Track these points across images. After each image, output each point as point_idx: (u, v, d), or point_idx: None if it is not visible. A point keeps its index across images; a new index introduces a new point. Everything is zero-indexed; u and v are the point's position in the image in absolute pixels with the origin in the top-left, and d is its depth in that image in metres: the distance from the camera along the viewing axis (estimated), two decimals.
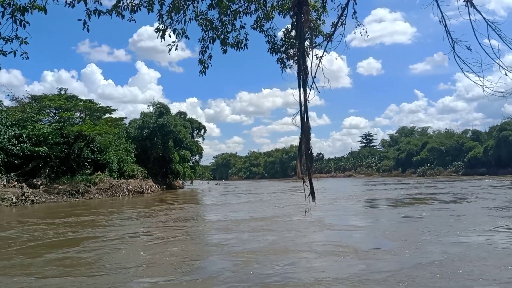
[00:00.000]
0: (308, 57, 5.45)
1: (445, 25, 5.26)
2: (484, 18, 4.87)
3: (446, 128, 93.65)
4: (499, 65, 4.85)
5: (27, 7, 4.74)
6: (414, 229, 11.51)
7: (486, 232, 10.57)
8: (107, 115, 39.18)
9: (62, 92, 37.07)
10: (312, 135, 4.96)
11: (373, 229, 12.09)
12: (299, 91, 4.87)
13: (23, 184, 26.75)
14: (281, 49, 6.88)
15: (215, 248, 10.14)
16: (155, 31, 5.78)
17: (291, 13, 6.15)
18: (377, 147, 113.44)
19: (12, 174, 27.15)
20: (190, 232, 12.92)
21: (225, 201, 27.40)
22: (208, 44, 6.41)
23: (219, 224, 14.84)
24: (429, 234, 10.44)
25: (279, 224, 13.69)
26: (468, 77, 5.13)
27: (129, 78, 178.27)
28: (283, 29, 6.92)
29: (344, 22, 5.98)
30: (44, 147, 28.59)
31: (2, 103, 30.02)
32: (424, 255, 8.16)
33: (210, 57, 6.47)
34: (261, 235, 11.60)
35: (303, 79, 4.85)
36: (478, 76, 4.96)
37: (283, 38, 6.87)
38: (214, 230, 13.25)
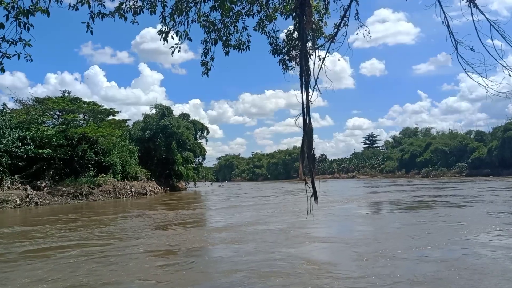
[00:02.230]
0: (311, 58, 5.46)
1: (448, 26, 5.26)
2: (487, 18, 4.86)
3: (449, 129, 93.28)
4: (503, 66, 4.84)
5: (31, 10, 4.78)
6: (403, 242, 10.31)
7: (475, 246, 9.49)
8: (111, 117, 39.34)
9: (66, 94, 37.28)
10: (315, 136, 4.97)
11: (355, 242, 10.40)
12: (301, 92, 4.87)
13: (27, 186, 26.87)
14: (283, 51, 6.88)
15: (109, 275, 7.92)
16: (158, 33, 5.80)
17: (294, 14, 6.17)
18: (381, 148, 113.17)
19: (16, 176, 27.28)
20: (126, 247, 10.66)
21: (213, 205, 26.30)
22: (210, 46, 6.43)
23: (175, 236, 12.50)
24: (415, 249, 9.23)
25: (255, 234, 12.15)
26: (471, 78, 5.12)
27: (132, 80, 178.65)
28: (285, 31, 6.94)
29: (346, 23, 5.99)
30: (48, 149, 28.70)
31: (6, 106, 30.20)
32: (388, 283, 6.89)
33: (212, 58, 6.48)
34: (217, 249, 10.17)
35: (305, 81, 4.85)
36: (481, 76, 4.96)
37: (285, 40, 6.88)
38: (157, 246, 10.89)
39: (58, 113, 34.45)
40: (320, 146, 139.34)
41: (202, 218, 18.91)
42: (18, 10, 4.72)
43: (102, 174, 33.27)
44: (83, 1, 5.24)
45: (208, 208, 24.27)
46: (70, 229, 14.55)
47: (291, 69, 6.92)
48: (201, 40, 6.48)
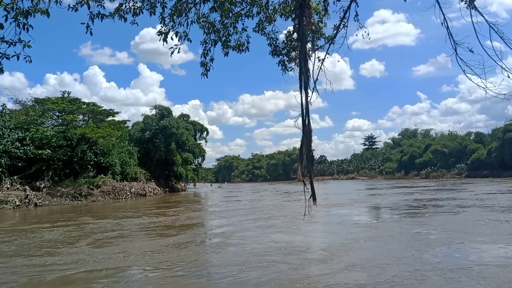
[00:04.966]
0: (310, 59, 5.45)
1: (447, 27, 5.26)
2: (486, 20, 4.87)
3: (449, 130, 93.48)
4: (502, 67, 4.84)
5: (30, 11, 4.78)
6: (350, 258, 9.32)
7: (422, 265, 8.40)
8: (110, 118, 39.38)
9: (65, 95, 37.31)
10: (314, 137, 4.97)
11: (294, 263, 9.01)
12: (301, 93, 4.87)
13: (26, 187, 26.85)
14: (283, 52, 6.89)
15: None
16: (158, 34, 5.81)
17: (293, 16, 6.17)
18: (380, 149, 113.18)
19: (15, 177, 27.26)
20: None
21: (196, 209, 24.73)
22: (210, 47, 6.44)
23: (75, 255, 10.52)
24: (348, 272, 8.22)
25: (214, 255, 10.41)
26: (470, 79, 5.13)
27: (132, 80, 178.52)
28: (285, 32, 6.95)
29: (346, 24, 5.99)
30: (47, 150, 28.69)
31: (5, 106, 30.23)
32: None
33: (212, 59, 6.49)
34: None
35: (304, 82, 4.85)
36: (480, 78, 4.96)
37: (285, 41, 6.89)
38: (31, 269, 9.00)
39: (57, 113, 34.50)
40: (320, 147, 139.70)
41: (162, 225, 16.42)
42: (17, 10, 4.72)
43: (102, 175, 33.25)
44: (83, 2, 5.25)
45: (181, 214, 21.03)
46: None
47: (291, 70, 6.93)
48: (200, 41, 6.50)
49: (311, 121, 4.89)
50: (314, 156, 4.95)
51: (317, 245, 11.36)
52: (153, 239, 13.05)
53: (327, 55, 6.03)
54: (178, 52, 6.05)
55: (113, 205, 28.57)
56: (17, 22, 4.75)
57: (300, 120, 4.86)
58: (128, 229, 15.69)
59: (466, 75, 5.12)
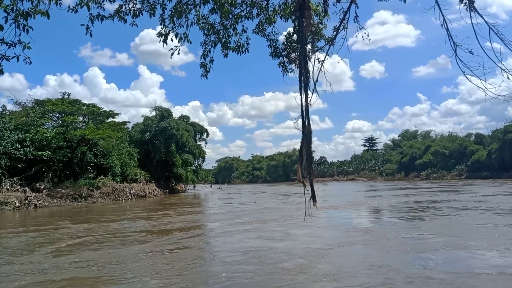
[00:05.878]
0: (310, 61, 5.45)
1: (447, 29, 5.27)
2: (486, 21, 4.87)
3: (449, 132, 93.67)
4: (502, 69, 4.84)
5: (30, 12, 4.78)
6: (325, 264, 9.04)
7: (388, 273, 8.03)
8: (110, 119, 39.38)
9: (65, 96, 37.29)
10: (314, 138, 4.98)
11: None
12: (301, 95, 4.87)
13: (26, 188, 26.83)
14: (283, 53, 6.90)
15: None
16: (158, 36, 5.81)
17: (293, 17, 6.17)
18: (380, 150, 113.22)
19: (15, 178, 27.25)
20: None
21: (187, 211, 23.69)
22: (209, 48, 6.44)
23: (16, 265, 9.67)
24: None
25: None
26: (470, 81, 5.13)
27: (132, 82, 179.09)
28: (285, 33, 6.95)
29: (346, 26, 6.00)
30: (47, 151, 28.69)
31: (5, 108, 30.25)
32: None
33: (212, 61, 6.49)
34: None
35: (304, 83, 4.85)
36: (480, 79, 4.96)
37: (285, 42, 6.89)
38: None
39: (57, 115, 34.47)
40: (320, 149, 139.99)
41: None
42: (17, 12, 4.72)
43: (102, 176, 33.25)
44: (82, 4, 5.25)
45: (167, 217, 19.72)
46: None
47: (291, 71, 6.94)
48: (200, 42, 6.50)
49: (311, 122, 4.89)
50: (314, 157, 4.95)
51: (297, 252, 10.55)
52: (122, 247, 11.95)
53: (327, 56, 6.04)
54: (178, 53, 6.06)
55: (111, 206, 28.47)
56: (17, 23, 4.75)
57: (300, 121, 4.85)
58: (100, 235, 14.41)
59: (466, 77, 5.12)
